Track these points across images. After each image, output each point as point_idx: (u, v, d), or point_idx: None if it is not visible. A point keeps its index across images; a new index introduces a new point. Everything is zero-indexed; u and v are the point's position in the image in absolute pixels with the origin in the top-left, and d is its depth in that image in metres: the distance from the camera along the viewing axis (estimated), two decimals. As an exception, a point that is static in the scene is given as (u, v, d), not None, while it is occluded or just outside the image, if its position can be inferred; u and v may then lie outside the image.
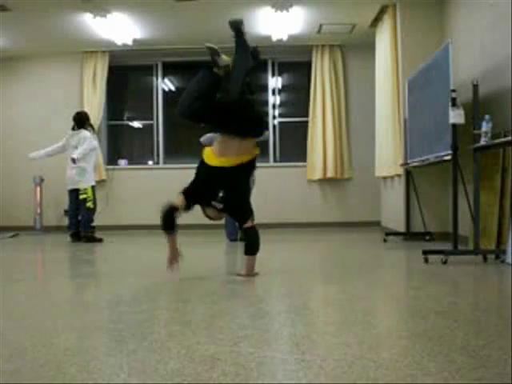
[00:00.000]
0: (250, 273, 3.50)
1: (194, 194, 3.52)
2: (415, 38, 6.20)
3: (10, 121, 8.76)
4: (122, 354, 1.87)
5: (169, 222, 3.51)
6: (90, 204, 6.54)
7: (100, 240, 6.52)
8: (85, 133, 6.74)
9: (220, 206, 3.48)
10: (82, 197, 6.52)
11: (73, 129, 6.83)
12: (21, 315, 2.56)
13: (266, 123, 4.28)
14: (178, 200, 3.50)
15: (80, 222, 6.57)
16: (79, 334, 2.19)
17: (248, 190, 3.79)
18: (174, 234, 3.58)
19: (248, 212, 3.55)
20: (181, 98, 3.59)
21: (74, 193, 6.62)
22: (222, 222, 5.27)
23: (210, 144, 3.89)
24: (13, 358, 1.83)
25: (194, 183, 3.57)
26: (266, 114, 8.63)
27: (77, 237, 6.54)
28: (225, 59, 3.72)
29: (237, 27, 3.83)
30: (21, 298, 3.03)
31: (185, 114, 3.59)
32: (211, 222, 3.82)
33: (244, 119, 3.58)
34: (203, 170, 3.54)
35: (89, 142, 6.67)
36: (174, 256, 3.59)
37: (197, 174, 3.58)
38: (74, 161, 6.50)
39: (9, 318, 2.49)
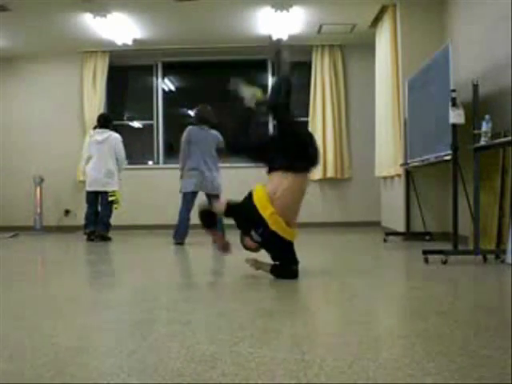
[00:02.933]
0: (254, 266, 3.53)
1: (236, 214, 3.50)
2: (415, 38, 6.20)
3: (10, 121, 8.77)
4: (122, 354, 1.87)
5: (208, 220, 3.61)
6: (116, 206, 6.70)
7: (110, 239, 6.65)
8: (115, 134, 6.80)
9: (258, 238, 3.42)
10: (111, 199, 6.63)
11: (94, 128, 6.94)
12: (21, 315, 2.56)
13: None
14: (219, 207, 3.56)
15: (99, 220, 6.67)
16: (79, 334, 2.19)
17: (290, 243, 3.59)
18: (214, 229, 3.70)
19: (289, 258, 3.50)
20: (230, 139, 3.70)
21: (97, 194, 6.71)
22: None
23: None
24: (13, 358, 1.83)
25: (241, 207, 3.48)
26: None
27: (93, 235, 6.65)
28: (250, 92, 3.67)
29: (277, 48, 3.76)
30: (21, 298, 3.03)
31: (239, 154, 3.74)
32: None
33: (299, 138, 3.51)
34: (253, 209, 3.37)
35: (122, 145, 6.83)
36: (223, 244, 3.75)
37: (246, 203, 3.45)
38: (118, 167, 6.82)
39: (9, 318, 2.49)
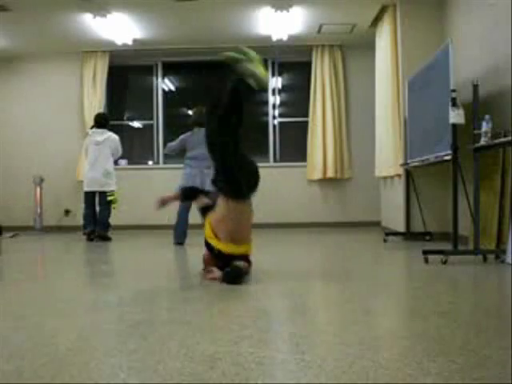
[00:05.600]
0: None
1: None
2: (415, 38, 6.20)
3: (10, 121, 8.77)
4: (122, 354, 1.87)
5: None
6: (115, 205, 6.71)
7: (110, 239, 6.65)
8: (114, 134, 6.81)
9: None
10: (109, 198, 6.65)
11: (91, 127, 6.94)
12: (21, 315, 2.56)
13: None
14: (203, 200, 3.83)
15: (99, 221, 6.69)
16: (79, 333, 2.19)
17: None
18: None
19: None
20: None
21: (95, 194, 6.73)
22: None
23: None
24: (13, 358, 1.83)
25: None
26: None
27: (93, 235, 6.66)
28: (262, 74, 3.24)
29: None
30: (21, 298, 3.03)
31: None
32: None
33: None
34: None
35: (120, 146, 6.87)
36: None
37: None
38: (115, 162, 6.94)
39: (9, 318, 2.49)
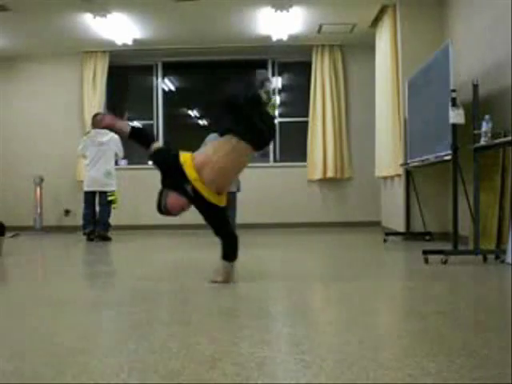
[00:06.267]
0: (227, 280, 3.31)
1: (163, 160, 3.33)
2: (415, 38, 6.20)
3: (10, 121, 8.76)
4: (122, 354, 1.87)
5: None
6: (115, 205, 6.70)
7: (110, 239, 6.65)
8: (115, 135, 6.79)
9: (191, 193, 3.18)
10: (110, 198, 6.65)
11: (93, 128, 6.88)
12: (21, 315, 2.56)
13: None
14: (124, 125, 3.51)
15: (98, 221, 6.69)
16: (79, 333, 2.19)
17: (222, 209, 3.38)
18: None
19: (224, 223, 3.36)
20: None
21: (95, 194, 6.73)
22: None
23: None
24: (13, 358, 1.83)
25: (169, 156, 3.32)
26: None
27: (93, 235, 6.66)
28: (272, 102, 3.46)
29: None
30: (21, 298, 3.03)
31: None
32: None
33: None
34: (179, 166, 3.22)
35: (121, 146, 6.88)
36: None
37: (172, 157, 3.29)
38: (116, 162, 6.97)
39: (9, 318, 2.49)
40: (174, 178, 3.24)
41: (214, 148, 3.29)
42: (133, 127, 3.52)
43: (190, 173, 3.18)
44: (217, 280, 3.31)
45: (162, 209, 3.27)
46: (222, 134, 3.34)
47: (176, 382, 1.58)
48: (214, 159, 3.21)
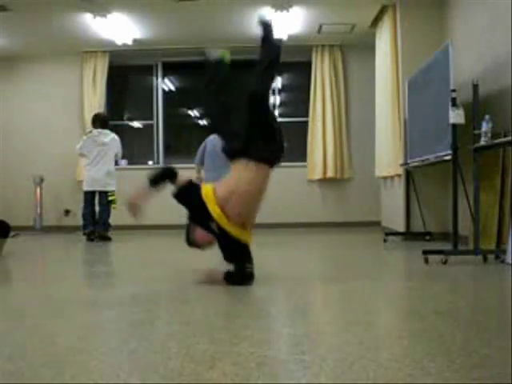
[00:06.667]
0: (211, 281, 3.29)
1: (191, 199, 3.15)
2: (415, 38, 6.20)
3: (9, 121, 8.76)
4: (122, 353, 1.87)
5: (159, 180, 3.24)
6: (114, 205, 6.71)
7: (110, 239, 6.65)
8: (116, 135, 6.82)
9: (216, 230, 3.10)
10: (110, 198, 6.67)
11: (94, 128, 6.88)
12: (21, 315, 2.56)
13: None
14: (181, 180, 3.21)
15: (99, 221, 6.70)
16: (79, 334, 2.19)
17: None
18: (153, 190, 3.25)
19: (245, 259, 3.22)
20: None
21: (95, 194, 6.74)
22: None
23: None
24: (13, 358, 1.83)
25: (196, 195, 3.14)
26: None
27: (93, 236, 6.66)
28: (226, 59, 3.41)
29: (266, 25, 3.45)
30: (21, 298, 3.03)
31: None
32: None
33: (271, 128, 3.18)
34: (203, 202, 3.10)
35: (121, 146, 6.90)
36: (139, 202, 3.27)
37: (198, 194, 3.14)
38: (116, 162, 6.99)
39: (9, 318, 2.49)
40: (198, 215, 3.15)
41: (235, 178, 3.13)
42: (150, 181, 3.23)
43: (214, 209, 3.06)
44: (207, 279, 3.30)
45: (191, 242, 3.25)
46: (231, 156, 3.19)
47: (176, 382, 1.58)
48: (238, 191, 3.07)
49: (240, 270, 3.20)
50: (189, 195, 3.17)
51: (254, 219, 3.28)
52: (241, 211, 3.10)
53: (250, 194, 3.10)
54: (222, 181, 3.19)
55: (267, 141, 3.15)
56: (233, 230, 3.11)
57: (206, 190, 3.11)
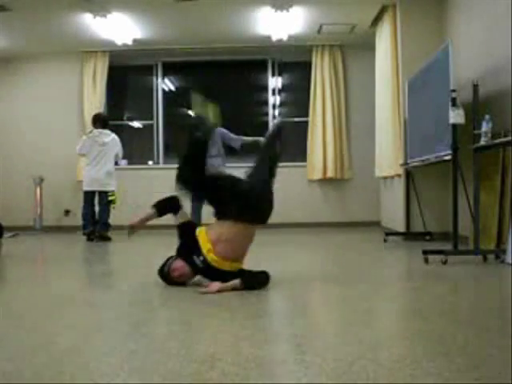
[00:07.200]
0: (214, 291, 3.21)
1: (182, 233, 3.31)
2: (415, 38, 6.20)
3: (9, 121, 8.76)
4: (122, 354, 1.87)
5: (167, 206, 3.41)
6: (114, 205, 6.74)
7: (110, 239, 6.64)
8: (116, 136, 6.83)
9: (201, 264, 3.15)
10: (110, 198, 6.69)
11: (95, 128, 6.87)
12: (21, 315, 2.56)
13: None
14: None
15: (98, 221, 6.71)
16: (79, 333, 2.19)
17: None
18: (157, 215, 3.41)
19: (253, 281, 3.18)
20: (176, 174, 3.34)
21: (94, 194, 6.74)
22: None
23: None
24: (13, 358, 1.83)
25: (187, 229, 3.30)
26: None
27: (93, 235, 6.66)
28: (212, 119, 3.36)
29: (280, 130, 3.51)
30: (21, 298, 3.03)
31: (187, 190, 3.39)
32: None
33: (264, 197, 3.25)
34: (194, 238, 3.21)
35: (121, 147, 6.91)
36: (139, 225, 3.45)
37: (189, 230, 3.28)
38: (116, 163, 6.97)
39: (9, 318, 2.49)
40: (187, 248, 3.23)
41: (225, 228, 3.19)
42: (155, 207, 3.40)
43: (204, 244, 3.15)
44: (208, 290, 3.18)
45: (165, 270, 3.23)
46: (218, 217, 3.29)
47: (176, 382, 1.58)
48: (228, 234, 3.16)
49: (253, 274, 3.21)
50: (187, 229, 3.31)
51: (244, 255, 3.30)
52: (227, 252, 3.16)
53: (238, 237, 3.18)
54: (212, 226, 3.28)
55: (252, 206, 3.22)
56: (219, 265, 3.14)
57: (200, 230, 3.26)
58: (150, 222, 3.47)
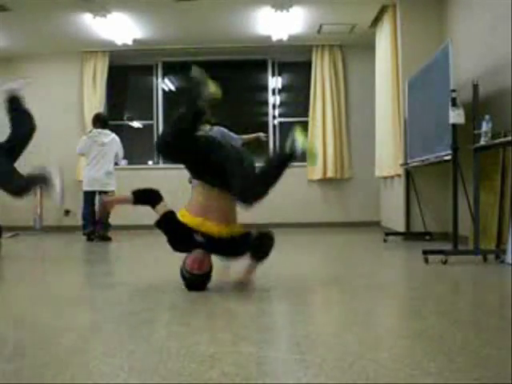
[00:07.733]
0: (246, 280, 3.24)
1: (169, 226, 3.24)
2: (415, 38, 6.20)
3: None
4: (122, 354, 1.87)
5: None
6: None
7: (110, 239, 6.64)
8: (116, 136, 6.83)
9: (202, 239, 3.09)
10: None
11: (95, 128, 6.87)
12: (21, 315, 2.56)
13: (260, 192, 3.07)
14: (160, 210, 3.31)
15: (99, 221, 6.69)
16: (79, 334, 2.19)
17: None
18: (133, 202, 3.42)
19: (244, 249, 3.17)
20: (161, 134, 3.29)
21: (95, 194, 6.73)
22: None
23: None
24: (13, 358, 1.83)
25: (174, 221, 3.21)
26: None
27: (93, 235, 6.66)
28: (212, 91, 3.18)
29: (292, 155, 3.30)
30: (21, 298, 3.03)
31: (164, 153, 3.34)
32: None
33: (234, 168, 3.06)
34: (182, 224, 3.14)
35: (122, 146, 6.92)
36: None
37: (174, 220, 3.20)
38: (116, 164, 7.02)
39: (9, 318, 2.49)
40: (181, 236, 3.19)
41: (201, 195, 3.15)
42: (133, 194, 3.42)
43: (193, 220, 3.09)
44: (242, 280, 3.22)
45: (185, 275, 3.12)
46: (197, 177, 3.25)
47: (176, 382, 1.58)
48: (208, 200, 3.11)
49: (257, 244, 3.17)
50: (168, 222, 3.26)
51: (235, 215, 3.23)
52: (218, 212, 3.10)
53: (220, 204, 3.12)
54: (189, 204, 3.22)
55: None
56: (215, 231, 3.08)
57: (181, 212, 3.19)
58: (150, 222, 3.46)
